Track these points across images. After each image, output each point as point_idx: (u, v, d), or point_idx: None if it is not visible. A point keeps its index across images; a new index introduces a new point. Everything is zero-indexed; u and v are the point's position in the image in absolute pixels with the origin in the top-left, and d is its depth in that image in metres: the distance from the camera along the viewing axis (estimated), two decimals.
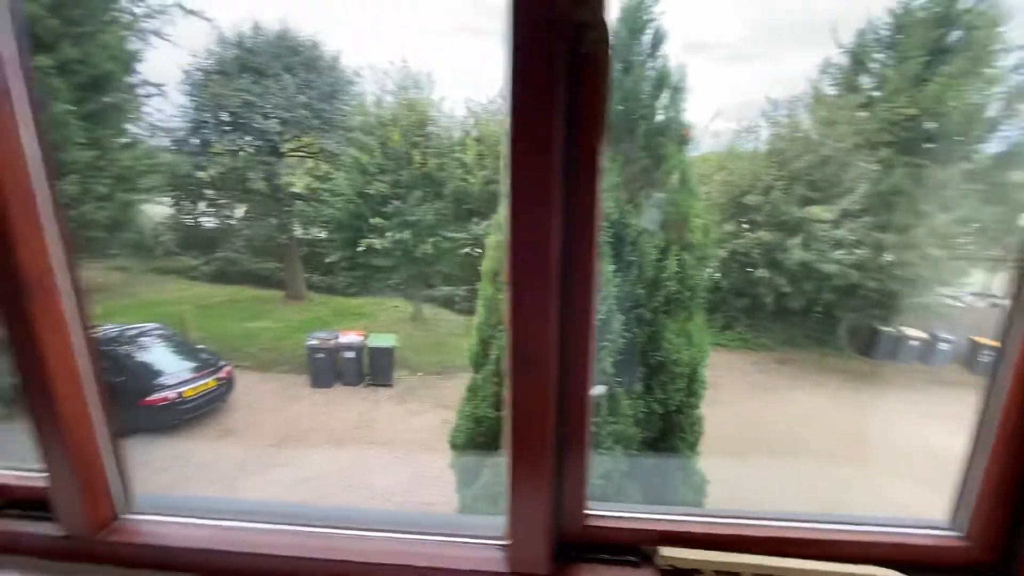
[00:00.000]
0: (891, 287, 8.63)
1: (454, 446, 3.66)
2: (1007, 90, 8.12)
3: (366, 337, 9.07)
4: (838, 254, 8.33)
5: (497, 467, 3.45)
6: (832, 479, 6.01)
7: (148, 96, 10.46)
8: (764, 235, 8.86)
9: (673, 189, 3.40)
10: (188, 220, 12.81)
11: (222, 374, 7.80)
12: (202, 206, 12.73)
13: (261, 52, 11.50)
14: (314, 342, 8.76)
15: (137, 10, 9.57)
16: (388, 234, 10.35)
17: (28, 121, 0.70)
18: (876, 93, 9.06)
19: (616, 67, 3.77)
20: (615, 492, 3.19)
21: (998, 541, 0.72)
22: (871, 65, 9.33)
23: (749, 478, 5.61)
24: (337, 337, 8.92)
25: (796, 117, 9.68)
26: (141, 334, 7.95)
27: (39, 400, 0.77)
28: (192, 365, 7.67)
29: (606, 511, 0.78)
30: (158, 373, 7.17)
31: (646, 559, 0.76)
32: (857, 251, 8.31)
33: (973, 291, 9.35)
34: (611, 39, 0.56)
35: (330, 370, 8.79)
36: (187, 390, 7.18)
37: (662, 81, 3.70)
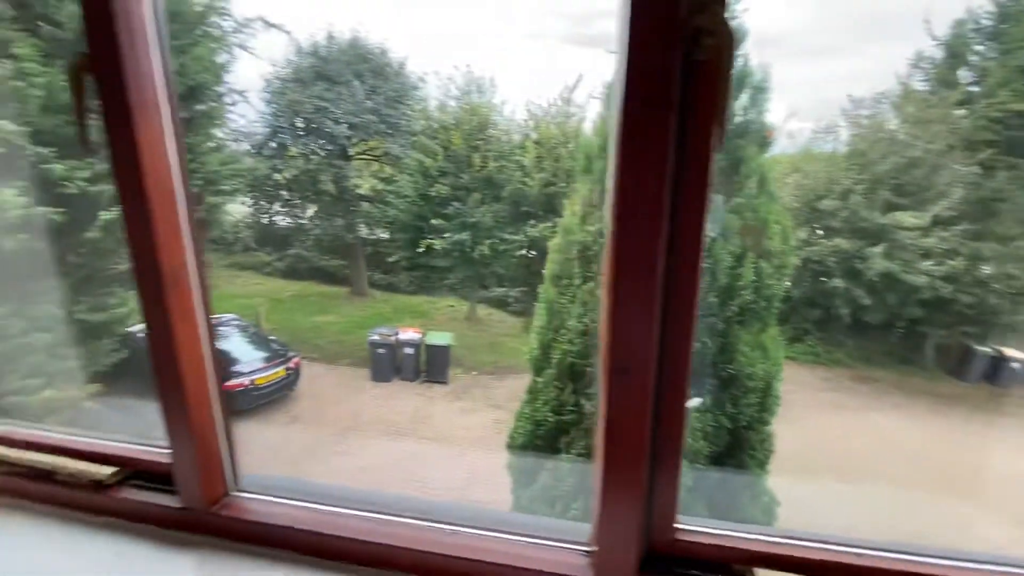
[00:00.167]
0: (989, 302, 7.79)
1: (512, 447, 3.69)
2: None
3: (424, 335, 9.33)
4: (927, 265, 7.63)
5: (555, 471, 3.44)
6: (914, 510, 5.52)
7: (233, 103, 11.31)
8: (841, 242, 8.27)
9: (751, 193, 3.25)
10: (264, 219, 13.70)
11: (291, 364, 8.29)
12: (277, 206, 13.57)
13: (334, 60, 12.12)
14: (376, 337, 9.11)
15: (225, 24, 10.38)
16: (447, 235, 10.60)
17: (171, 134, 0.79)
18: (975, 88, 8.24)
19: None
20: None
21: None
22: (970, 58, 8.50)
23: (822, 502, 5.25)
24: (397, 334, 9.23)
25: (881, 116, 8.97)
26: (220, 324, 8.59)
27: (169, 383, 0.86)
28: (264, 355, 8.21)
29: (697, 526, 0.77)
30: (235, 361, 7.72)
31: None
32: (950, 262, 7.57)
33: None
34: (734, 45, 0.55)
35: (390, 365, 9.11)
36: (259, 378, 7.69)
37: (742, 81, 3.55)
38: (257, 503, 0.93)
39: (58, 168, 5.23)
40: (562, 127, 10.67)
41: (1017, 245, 7.49)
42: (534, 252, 10.59)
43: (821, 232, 8.81)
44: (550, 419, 3.47)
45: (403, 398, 8.80)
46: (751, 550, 0.74)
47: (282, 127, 12.32)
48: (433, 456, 7.21)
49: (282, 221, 13.91)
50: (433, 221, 10.77)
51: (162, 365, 0.85)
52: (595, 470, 0.76)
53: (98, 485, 0.97)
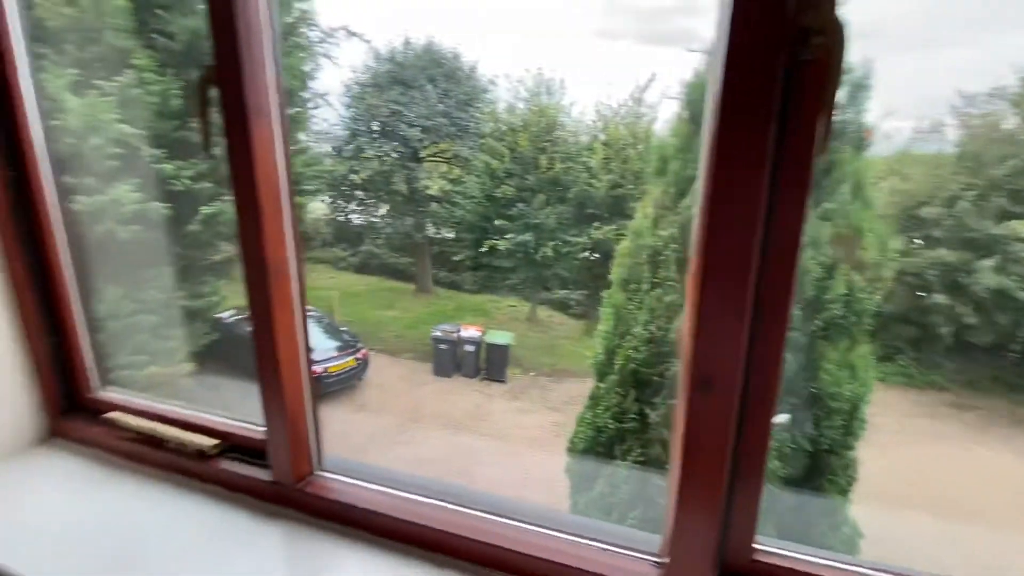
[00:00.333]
0: None
1: (571, 451, 3.66)
2: None
3: (484, 333, 9.48)
4: None
5: (614, 478, 3.38)
6: (1020, 556, 4.87)
7: (316, 108, 12.07)
8: (944, 254, 7.46)
9: (844, 199, 3.00)
10: (340, 217, 14.50)
11: (360, 355, 8.72)
12: (352, 205, 14.32)
13: (409, 65, 12.61)
14: (438, 333, 9.38)
15: (312, 34, 11.12)
16: (511, 236, 10.70)
17: (280, 138, 0.86)
18: None
19: None
20: None
21: None
22: None
23: (911, 538, 4.77)
24: (459, 331, 9.45)
25: (997, 114, 8.00)
26: None
27: (267, 367, 0.93)
28: (336, 344, 8.70)
29: (777, 548, 0.73)
30: (310, 350, 8.24)
31: None
32: None
33: None
34: (845, 44, 0.52)
35: (451, 361, 9.34)
36: (331, 366, 8.16)
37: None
38: (337, 483, 0.99)
39: (168, 167, 5.83)
40: (632, 128, 10.44)
41: None
42: (597, 255, 10.44)
43: (920, 242, 8.00)
44: (611, 426, 3.41)
45: (462, 394, 8.99)
46: None
47: (360, 130, 12.99)
48: (490, 453, 7.31)
49: (356, 219, 14.66)
50: (497, 222, 10.91)
51: (263, 351, 0.93)
52: (670, 481, 0.74)
53: (201, 455, 1.07)
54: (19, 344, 1.20)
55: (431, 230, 13.57)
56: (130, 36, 5.44)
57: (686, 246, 3.35)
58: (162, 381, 5.80)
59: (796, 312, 3.09)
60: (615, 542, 0.81)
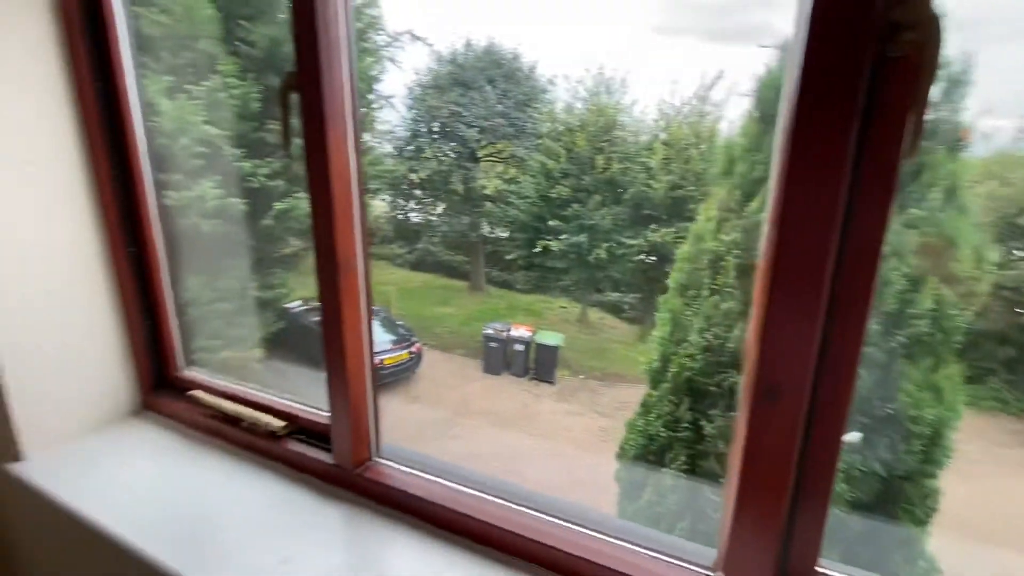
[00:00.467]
0: None
1: (621, 458, 3.59)
2: None
3: (534, 333, 9.49)
4: None
5: (664, 488, 3.29)
6: None
7: (380, 110, 12.55)
8: None
9: (934, 205, 2.72)
10: (399, 215, 15.00)
11: (414, 349, 8.99)
12: (411, 204, 14.77)
13: (470, 67, 12.83)
14: (489, 331, 9.49)
15: (379, 39, 11.57)
16: (564, 236, 10.64)
17: (352, 140, 0.90)
18: None
19: None
20: None
21: None
22: None
23: None
24: (509, 330, 9.52)
25: None
26: None
27: (334, 357, 0.99)
28: (392, 338, 9.01)
29: (844, 573, 0.69)
30: (373, 341, 8.60)
31: None
32: None
33: None
34: (941, 40, 0.48)
35: (500, 359, 9.43)
36: (387, 358, 8.47)
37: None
38: (393, 471, 1.04)
39: (246, 166, 6.27)
40: (695, 127, 10.09)
41: None
42: (654, 258, 10.18)
43: (1022, 253, 7.19)
44: (663, 435, 3.31)
45: (511, 393, 9.04)
46: None
47: (420, 131, 13.37)
48: (537, 453, 7.31)
49: (414, 218, 15.11)
50: (551, 222, 10.88)
51: (330, 340, 0.98)
52: (727, 493, 0.72)
53: (271, 435, 1.15)
54: (119, 325, 1.33)
55: (486, 229, 13.76)
56: (217, 44, 5.89)
57: (750, 252, 3.19)
58: (235, 365, 6.24)
59: (875, 326, 2.86)
60: (666, 551, 0.80)
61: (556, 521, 0.87)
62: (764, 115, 3.30)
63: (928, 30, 0.48)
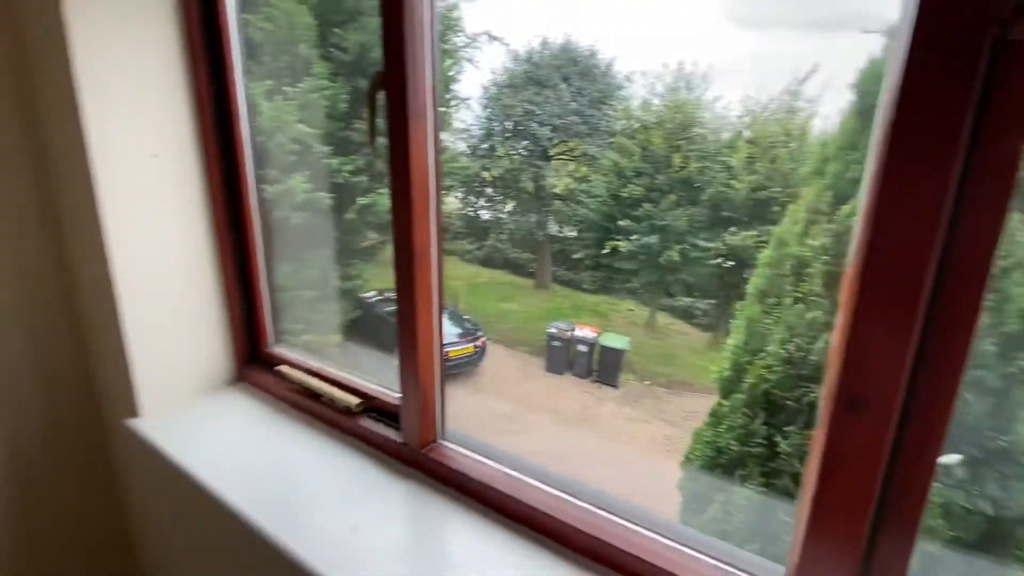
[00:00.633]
0: None
1: (686, 468, 3.46)
2: None
3: (599, 335, 9.36)
4: None
5: (732, 504, 3.13)
6: None
7: (456, 109, 12.89)
8: None
9: None
10: (470, 212, 15.36)
11: (478, 342, 9.19)
12: (481, 201, 15.07)
13: (545, 65, 12.84)
14: (553, 330, 9.48)
15: (457, 40, 11.89)
16: (635, 237, 10.37)
17: (432, 137, 0.95)
18: None
19: None
20: None
21: None
22: None
23: None
24: (573, 330, 9.45)
25: None
26: None
27: (407, 342, 1.04)
28: (458, 331, 9.26)
29: None
30: (443, 329, 8.93)
31: None
32: None
33: None
34: None
35: (563, 359, 9.39)
36: (452, 351, 8.73)
37: None
38: (457, 454, 1.08)
39: (333, 162, 6.70)
40: (784, 124, 9.43)
41: None
42: (731, 262, 9.66)
43: None
44: (733, 448, 3.14)
45: (572, 393, 8.98)
46: None
47: (494, 130, 13.59)
48: (597, 456, 7.22)
49: (484, 215, 15.41)
50: (621, 222, 10.64)
51: (404, 326, 1.04)
52: (800, 511, 0.68)
53: (347, 411, 1.23)
54: (221, 305, 1.48)
55: (554, 228, 13.74)
56: (312, 48, 6.34)
57: (840, 259, 2.94)
58: (315, 347, 6.71)
59: (989, 347, 2.52)
60: (731, 562, 0.77)
61: (614, 518, 0.87)
62: (864, 110, 3.02)
63: None
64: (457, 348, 8.83)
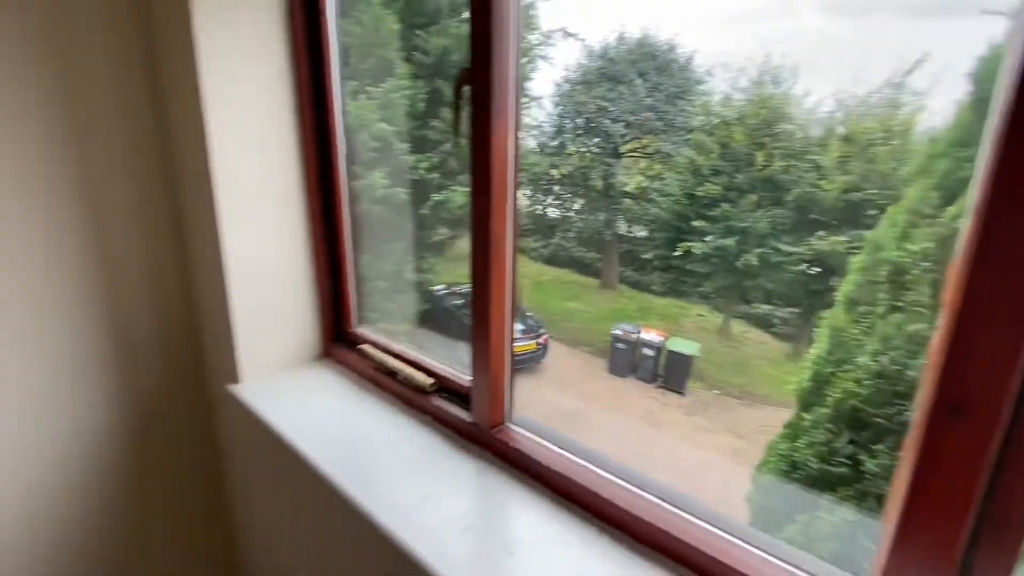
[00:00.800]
0: None
1: (757, 481, 3.28)
2: None
3: (666, 339, 9.07)
4: None
5: (809, 526, 2.94)
6: None
7: (529, 107, 12.96)
8: None
9: None
10: (538, 209, 15.41)
11: (541, 340, 9.22)
12: (550, 199, 15.07)
13: (620, 60, 12.58)
14: (618, 332, 9.31)
15: (532, 38, 11.94)
16: (709, 239, 9.92)
17: (513, 131, 0.99)
18: None
19: None
20: None
21: None
22: None
23: None
24: (639, 332, 9.23)
25: None
26: None
27: (480, 326, 1.09)
28: (521, 327, 9.36)
29: None
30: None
31: None
32: None
33: None
34: None
35: (627, 362, 9.20)
36: (516, 346, 8.84)
37: None
38: (523, 437, 1.11)
39: (410, 160, 7.01)
40: (885, 120, 8.61)
41: None
42: (818, 268, 8.98)
43: None
44: (812, 465, 2.93)
45: (636, 398, 8.77)
46: None
47: (565, 127, 13.53)
48: (660, 462, 7.02)
49: (552, 212, 15.40)
50: (696, 222, 10.22)
51: (478, 311, 1.09)
52: (886, 525, 0.65)
53: (421, 390, 1.31)
54: (312, 286, 1.62)
55: (622, 227, 13.46)
56: (395, 52, 6.66)
57: (943, 264, 2.66)
58: (388, 334, 7.06)
59: None
60: (810, 570, 0.74)
61: (682, 512, 0.86)
62: (982, 101, 2.70)
63: None
64: (519, 344, 8.94)
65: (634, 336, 9.36)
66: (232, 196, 1.39)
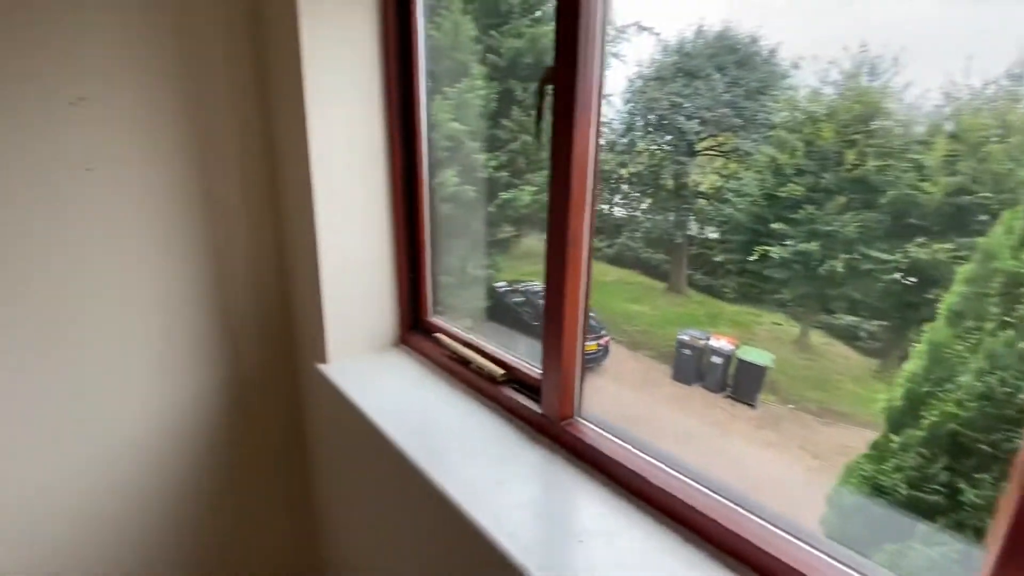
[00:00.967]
0: None
1: (835, 506, 3.06)
2: None
3: (737, 347, 8.64)
4: None
5: (898, 557, 2.71)
6: None
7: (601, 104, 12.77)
8: None
9: None
10: (604, 208, 15.18)
11: (602, 341, 9.08)
12: (617, 198, 14.79)
13: (697, 55, 12.09)
14: (685, 337, 8.96)
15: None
16: (789, 243, 9.31)
17: (595, 129, 1.01)
18: None
19: None
20: None
21: None
22: None
23: None
24: (708, 339, 8.84)
25: None
26: None
27: (553, 320, 1.12)
28: None
29: None
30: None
31: None
32: None
33: None
34: None
35: (693, 369, 8.84)
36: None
37: None
38: (592, 431, 1.13)
39: (480, 158, 7.18)
40: (1002, 115, 7.66)
41: None
42: (914, 279, 8.19)
43: None
44: (901, 491, 2.69)
45: (701, 407, 8.41)
46: None
47: (635, 125, 13.21)
48: (726, 475, 6.71)
49: (617, 211, 15.09)
50: (774, 225, 9.61)
51: (552, 305, 1.12)
52: (986, 561, 0.61)
53: (492, 379, 1.36)
54: (394, 277, 1.72)
55: (693, 228, 12.94)
56: (470, 54, 6.84)
57: None
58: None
59: None
60: None
61: (751, 515, 0.85)
62: None
63: None
64: None
65: (702, 342, 8.98)
66: (327, 196, 1.51)
